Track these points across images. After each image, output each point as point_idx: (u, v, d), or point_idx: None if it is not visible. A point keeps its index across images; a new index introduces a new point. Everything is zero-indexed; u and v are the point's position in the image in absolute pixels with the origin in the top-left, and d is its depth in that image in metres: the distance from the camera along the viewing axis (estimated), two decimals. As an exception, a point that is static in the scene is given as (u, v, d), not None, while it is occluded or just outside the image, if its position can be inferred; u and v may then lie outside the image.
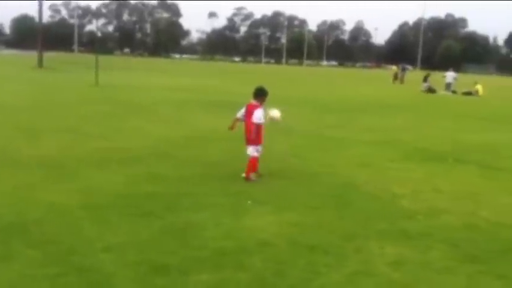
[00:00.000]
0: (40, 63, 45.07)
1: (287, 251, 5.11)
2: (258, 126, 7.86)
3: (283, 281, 4.45)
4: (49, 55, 58.75)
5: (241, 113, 8.09)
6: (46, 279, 4.26)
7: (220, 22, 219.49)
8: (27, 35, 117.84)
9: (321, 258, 4.95)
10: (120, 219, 5.81)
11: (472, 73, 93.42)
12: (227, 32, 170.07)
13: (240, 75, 51.22)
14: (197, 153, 9.89)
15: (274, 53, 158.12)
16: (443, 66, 62.61)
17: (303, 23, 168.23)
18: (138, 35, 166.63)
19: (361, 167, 9.32)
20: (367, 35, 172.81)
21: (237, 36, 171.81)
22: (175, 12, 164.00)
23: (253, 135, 7.82)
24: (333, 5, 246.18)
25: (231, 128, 8.27)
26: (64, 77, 33.20)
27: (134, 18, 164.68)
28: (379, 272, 4.70)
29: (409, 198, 7.32)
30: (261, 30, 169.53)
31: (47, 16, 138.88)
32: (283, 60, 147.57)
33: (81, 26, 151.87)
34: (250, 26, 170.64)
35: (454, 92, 34.93)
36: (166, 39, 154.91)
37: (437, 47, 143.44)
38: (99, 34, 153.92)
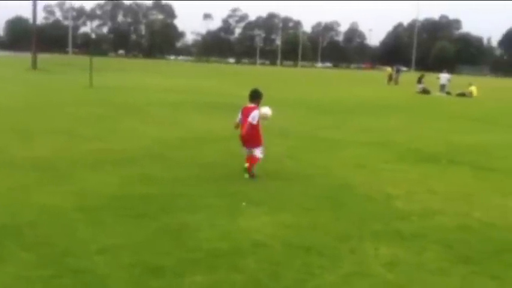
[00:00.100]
0: (34, 64, 44.92)
1: (282, 252, 5.12)
2: (252, 126, 7.90)
3: (277, 282, 4.45)
4: (43, 57, 58.53)
5: (238, 117, 8.16)
6: (40, 281, 4.25)
7: (215, 24, 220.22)
8: (21, 36, 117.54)
9: (316, 259, 4.96)
10: (115, 221, 5.80)
11: (466, 74, 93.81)
12: (222, 34, 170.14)
13: (235, 76, 51.23)
14: (192, 155, 9.88)
15: (269, 55, 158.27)
16: (438, 68, 62.78)
17: (297, 24, 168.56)
18: (133, 37, 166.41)
19: (355, 168, 9.34)
20: (362, 36, 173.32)
21: (232, 37, 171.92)
22: (170, 13, 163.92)
23: (247, 131, 7.88)
24: (328, 7, 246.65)
25: (236, 127, 8.30)
26: (58, 79, 33.11)
27: (129, 20, 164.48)
28: (374, 273, 4.72)
29: (404, 199, 7.34)
30: (256, 31, 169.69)
31: (41, 17, 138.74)
32: (278, 61, 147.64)
33: (76, 28, 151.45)
34: (245, 28, 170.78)
35: (448, 93, 35.06)
36: (161, 40, 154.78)
37: (431, 48, 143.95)
38: (93, 36, 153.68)
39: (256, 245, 5.24)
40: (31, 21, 52.24)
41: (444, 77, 36.84)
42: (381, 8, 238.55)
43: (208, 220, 5.95)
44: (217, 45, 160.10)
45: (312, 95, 29.25)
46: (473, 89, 34.65)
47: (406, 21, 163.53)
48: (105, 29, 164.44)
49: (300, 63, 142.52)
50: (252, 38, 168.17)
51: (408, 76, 59.74)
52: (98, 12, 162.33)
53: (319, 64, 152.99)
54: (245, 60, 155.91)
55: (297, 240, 5.44)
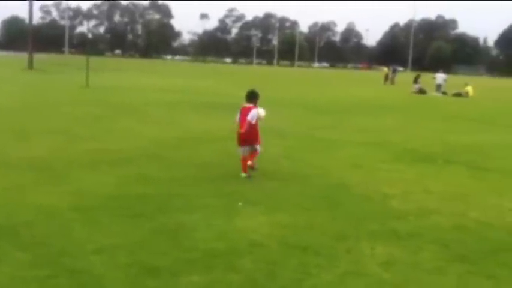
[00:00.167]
0: (30, 64, 44.82)
1: (278, 252, 5.12)
2: (251, 125, 7.95)
3: (274, 282, 4.45)
4: (39, 57, 58.36)
5: (237, 116, 8.20)
6: (36, 281, 4.24)
7: (212, 24, 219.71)
8: (18, 36, 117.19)
9: (312, 259, 4.97)
10: (111, 221, 5.80)
11: (463, 74, 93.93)
12: (219, 34, 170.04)
13: (231, 76, 51.24)
14: (189, 154, 9.88)
15: (265, 55, 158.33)
16: (434, 68, 62.86)
17: (294, 24, 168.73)
18: (130, 37, 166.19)
19: (352, 168, 9.35)
20: (358, 36, 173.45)
21: (229, 37, 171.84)
22: (167, 13, 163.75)
23: (247, 129, 7.95)
24: (324, 7, 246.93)
25: (236, 126, 8.35)
26: (54, 79, 33.04)
27: (125, 20, 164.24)
28: (370, 273, 4.73)
29: (400, 199, 7.35)
30: (253, 31, 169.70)
31: (37, 17, 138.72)
32: (275, 61, 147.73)
33: (72, 28, 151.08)
34: (242, 28, 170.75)
35: (444, 93, 35.12)
36: (158, 40, 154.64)
37: (427, 48, 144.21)
38: (90, 35, 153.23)
39: (253, 245, 5.24)
40: (27, 21, 52.20)
41: (440, 77, 36.91)
42: (378, 8, 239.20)
43: (204, 220, 5.95)
44: (213, 45, 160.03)
45: (308, 95, 29.27)
46: (469, 89, 34.71)
47: (402, 21, 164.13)
48: (101, 29, 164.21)
49: (296, 63, 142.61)
50: (248, 38, 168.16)
51: (404, 76, 59.82)
52: (95, 12, 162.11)
53: (316, 64, 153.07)
54: (242, 60, 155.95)
55: (293, 240, 5.44)
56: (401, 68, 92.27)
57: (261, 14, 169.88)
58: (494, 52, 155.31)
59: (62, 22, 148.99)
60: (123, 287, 4.25)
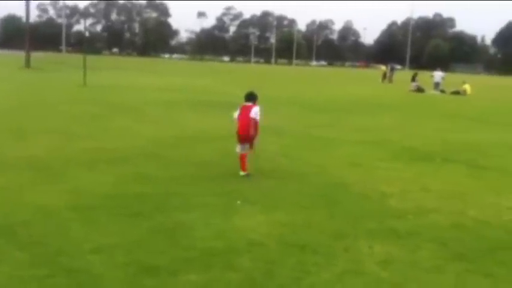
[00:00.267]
0: (27, 63, 44.69)
1: (277, 250, 5.12)
2: (256, 122, 8.03)
3: (272, 280, 4.45)
4: (37, 55, 58.29)
5: (236, 113, 8.19)
6: (34, 281, 4.24)
7: (209, 22, 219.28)
8: (15, 35, 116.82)
9: (311, 257, 4.97)
10: (109, 220, 5.79)
11: (460, 73, 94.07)
12: (216, 32, 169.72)
13: (229, 75, 51.19)
14: (186, 153, 9.87)
15: (263, 53, 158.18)
16: (432, 66, 62.92)
17: (292, 22, 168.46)
18: (127, 35, 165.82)
19: (350, 167, 9.35)
20: (356, 34, 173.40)
21: (227, 36, 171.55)
22: (164, 11, 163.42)
23: (253, 130, 8.00)
24: (322, 5, 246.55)
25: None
26: (52, 78, 32.96)
27: (123, 18, 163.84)
28: (368, 271, 4.73)
29: (398, 197, 7.36)
30: (250, 30, 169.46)
31: (34, 16, 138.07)
32: (273, 60, 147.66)
33: (69, 26, 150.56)
34: (240, 26, 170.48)
35: (442, 91, 35.14)
36: (155, 39, 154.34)
37: (425, 47, 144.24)
38: (87, 34, 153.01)
39: (251, 244, 5.24)
40: (24, 19, 51.99)
41: (438, 75, 36.91)
42: (375, 7, 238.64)
43: (203, 219, 5.95)
44: (211, 44, 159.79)
45: (306, 93, 29.25)
46: (467, 87, 34.75)
47: (400, 20, 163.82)
48: (98, 27, 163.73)
49: (294, 61, 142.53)
50: (246, 36, 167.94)
51: (402, 74, 59.84)
52: (92, 10, 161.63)
53: (314, 62, 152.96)
54: (240, 59, 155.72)
55: (291, 239, 5.44)
56: (399, 66, 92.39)
57: (258, 12, 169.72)
58: (492, 50, 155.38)
59: (59, 20, 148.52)
60: (121, 286, 4.25)
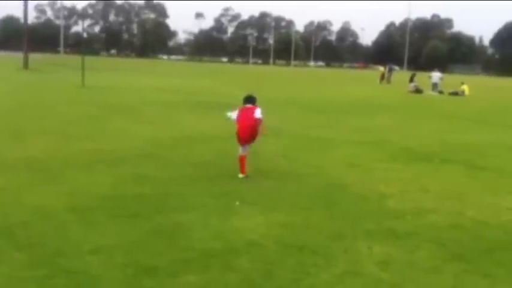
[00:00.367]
0: (25, 64, 44.62)
1: (275, 251, 5.12)
2: (260, 122, 8.01)
3: (271, 281, 4.45)
4: (35, 56, 58.16)
5: (234, 114, 8.15)
6: (33, 282, 4.23)
7: (208, 23, 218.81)
8: (12, 36, 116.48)
9: (310, 258, 4.97)
10: (107, 221, 5.78)
11: (458, 73, 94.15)
12: (214, 33, 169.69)
13: (227, 76, 51.18)
14: (185, 154, 9.86)
15: (261, 54, 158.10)
16: (430, 67, 62.80)
17: (290, 23, 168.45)
18: (125, 36, 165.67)
19: (348, 168, 9.36)
20: (354, 35, 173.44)
21: (225, 37, 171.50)
22: (162, 13, 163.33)
23: (259, 130, 8.01)
24: (320, 6, 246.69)
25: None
26: (50, 79, 32.92)
27: (121, 19, 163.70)
28: (368, 272, 4.73)
29: (397, 198, 7.36)
30: (248, 31, 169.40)
31: (32, 17, 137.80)
32: (271, 60, 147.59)
33: (67, 27, 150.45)
34: (238, 27, 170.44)
35: (440, 92, 35.17)
36: (153, 40, 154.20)
37: (423, 48, 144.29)
38: (85, 35, 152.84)
39: (250, 245, 5.24)
40: (22, 20, 51.89)
41: (436, 75, 36.92)
42: (373, 8, 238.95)
43: (201, 220, 5.94)
44: (209, 45, 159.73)
45: (304, 94, 29.25)
46: (465, 87, 34.80)
47: (398, 21, 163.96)
48: (96, 29, 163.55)
49: (292, 62, 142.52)
50: (244, 37, 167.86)
51: (400, 75, 59.89)
52: (90, 11, 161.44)
53: (312, 63, 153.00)
54: (238, 60, 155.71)
55: (290, 240, 5.44)
56: (397, 67, 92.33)
57: (256, 13, 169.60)
58: (490, 51, 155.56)
59: (57, 22, 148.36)
60: (120, 287, 4.25)
